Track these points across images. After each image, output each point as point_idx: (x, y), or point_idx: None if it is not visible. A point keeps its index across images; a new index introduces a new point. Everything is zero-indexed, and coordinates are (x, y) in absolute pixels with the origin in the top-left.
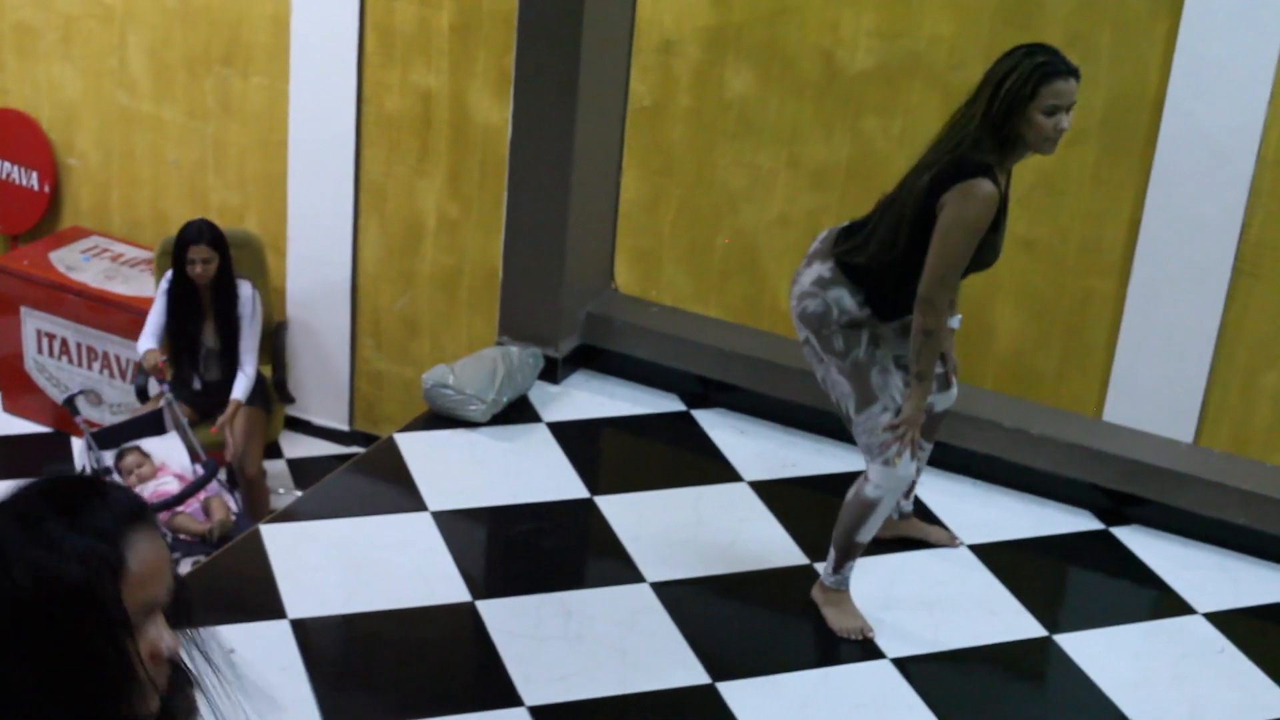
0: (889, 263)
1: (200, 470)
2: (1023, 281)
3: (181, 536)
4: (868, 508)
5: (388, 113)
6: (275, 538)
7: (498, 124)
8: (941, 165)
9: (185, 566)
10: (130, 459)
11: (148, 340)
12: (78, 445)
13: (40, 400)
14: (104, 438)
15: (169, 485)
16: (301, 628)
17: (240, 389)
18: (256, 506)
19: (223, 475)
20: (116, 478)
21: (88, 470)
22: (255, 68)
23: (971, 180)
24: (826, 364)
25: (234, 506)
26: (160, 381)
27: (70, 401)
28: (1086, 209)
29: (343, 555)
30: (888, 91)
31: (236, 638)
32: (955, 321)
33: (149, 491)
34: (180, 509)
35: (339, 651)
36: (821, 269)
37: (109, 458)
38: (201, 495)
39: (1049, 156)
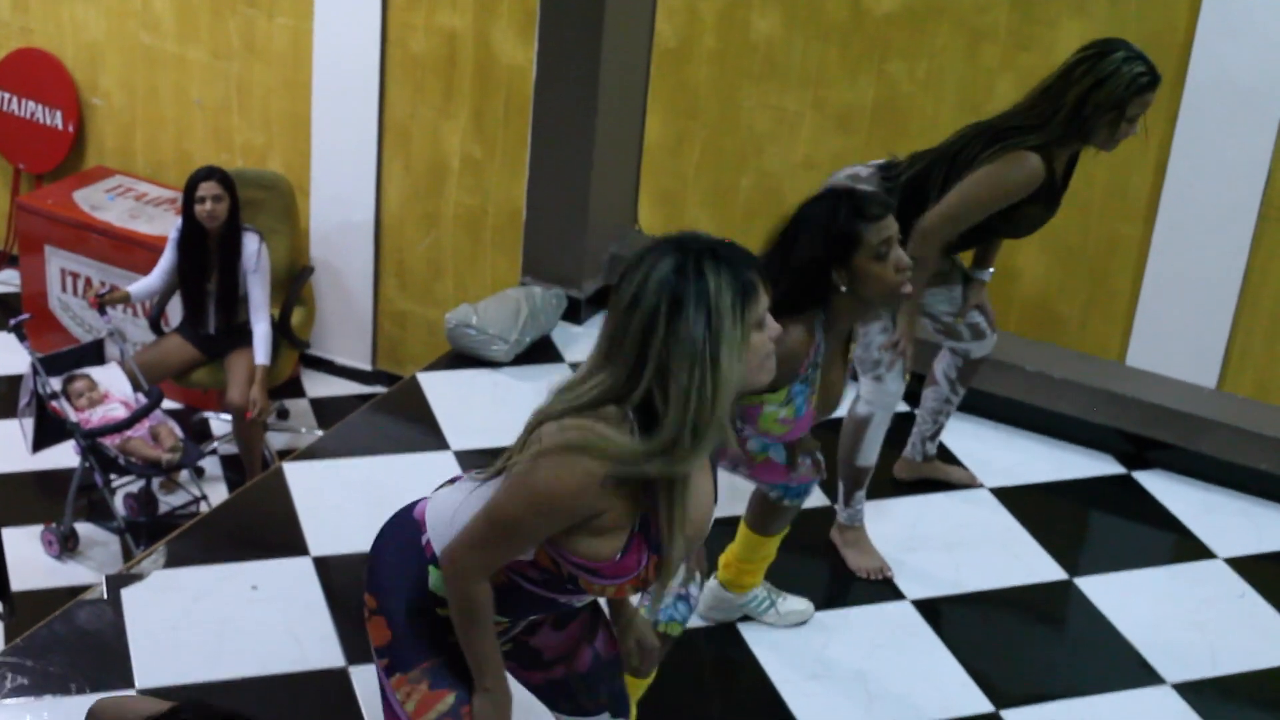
0: (917, 192)
1: (143, 398)
2: (1048, 226)
3: (134, 460)
4: (861, 425)
5: (412, 53)
6: (298, 476)
7: (522, 65)
8: (1004, 129)
9: (136, 487)
10: (79, 384)
11: (140, 282)
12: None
13: (64, 338)
14: (50, 364)
15: (116, 411)
16: (324, 565)
17: (261, 352)
18: (248, 441)
19: (165, 404)
20: (64, 402)
21: (39, 393)
22: (279, 8)
23: (1026, 152)
24: None
25: (179, 434)
26: (100, 314)
27: (100, 344)
28: (1112, 154)
29: (365, 494)
30: (914, 34)
31: (260, 574)
32: (986, 274)
33: (98, 416)
34: (130, 433)
35: (362, 589)
36: (859, 168)
37: (56, 383)
38: (148, 422)
39: None
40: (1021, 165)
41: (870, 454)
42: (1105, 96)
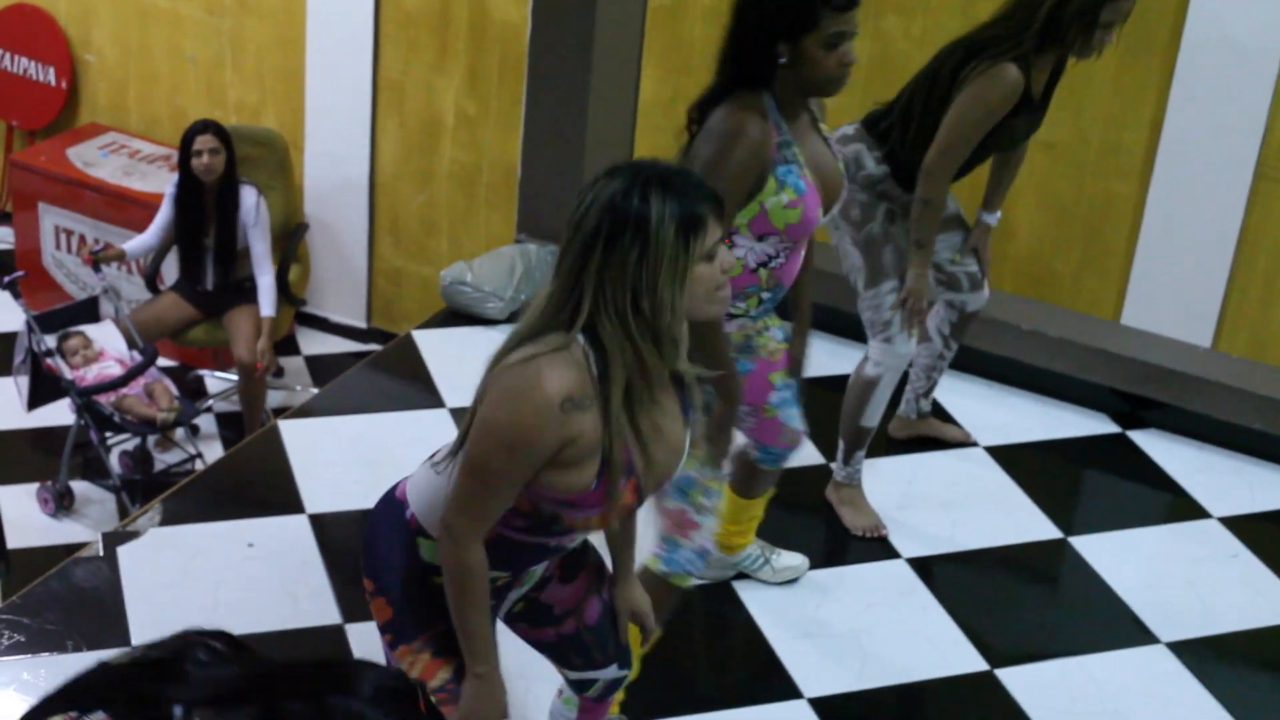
0: (909, 126)
1: (138, 356)
2: (1043, 183)
3: (129, 418)
4: (868, 387)
5: (406, 9)
6: (293, 433)
7: (517, 21)
8: (979, 41)
9: (131, 445)
10: (74, 341)
11: (136, 239)
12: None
13: (58, 296)
14: (45, 321)
15: (112, 369)
16: (319, 522)
17: (267, 304)
18: (253, 399)
19: (161, 362)
20: (59, 360)
21: (34, 350)
22: None
23: (1002, 65)
24: (841, 231)
25: (174, 391)
26: (94, 271)
27: (94, 301)
28: (1108, 111)
29: (360, 451)
30: None
31: (255, 532)
32: (993, 218)
33: (93, 374)
34: (125, 391)
35: (357, 546)
36: (846, 128)
37: (51, 340)
38: (143, 380)
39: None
40: (1002, 79)
41: (874, 415)
42: (1079, 5)
